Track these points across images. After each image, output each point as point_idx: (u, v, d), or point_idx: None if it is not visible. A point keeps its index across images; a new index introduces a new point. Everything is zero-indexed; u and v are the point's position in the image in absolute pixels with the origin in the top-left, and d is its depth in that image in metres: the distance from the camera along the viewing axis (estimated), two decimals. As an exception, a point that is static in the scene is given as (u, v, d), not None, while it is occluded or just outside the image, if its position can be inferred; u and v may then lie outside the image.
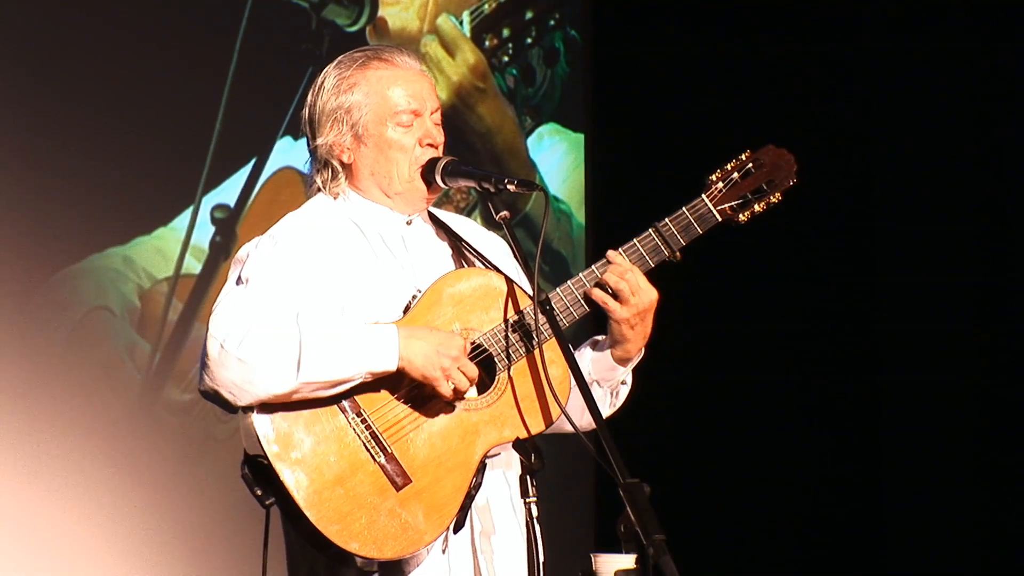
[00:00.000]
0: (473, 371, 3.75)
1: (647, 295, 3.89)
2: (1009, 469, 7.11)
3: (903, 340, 7.37)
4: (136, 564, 6.27)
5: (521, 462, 3.73)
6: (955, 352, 7.23)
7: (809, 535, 7.41)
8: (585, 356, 4.01)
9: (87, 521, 6.19)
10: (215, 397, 3.72)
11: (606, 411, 4.01)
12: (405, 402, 3.76)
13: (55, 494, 6.14)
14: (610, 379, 3.99)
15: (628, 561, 3.49)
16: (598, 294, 3.88)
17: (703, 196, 3.95)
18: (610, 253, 3.92)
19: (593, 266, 3.92)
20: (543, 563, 3.67)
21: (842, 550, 7.42)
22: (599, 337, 4.01)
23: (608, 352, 3.96)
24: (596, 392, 3.97)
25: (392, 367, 3.71)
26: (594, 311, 3.93)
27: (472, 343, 3.81)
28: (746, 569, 7.29)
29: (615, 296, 3.88)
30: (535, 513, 3.69)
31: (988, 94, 7.21)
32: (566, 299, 3.89)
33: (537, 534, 3.67)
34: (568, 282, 3.91)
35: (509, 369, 3.82)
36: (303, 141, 4.07)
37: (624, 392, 4.04)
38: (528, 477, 3.70)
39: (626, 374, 4.00)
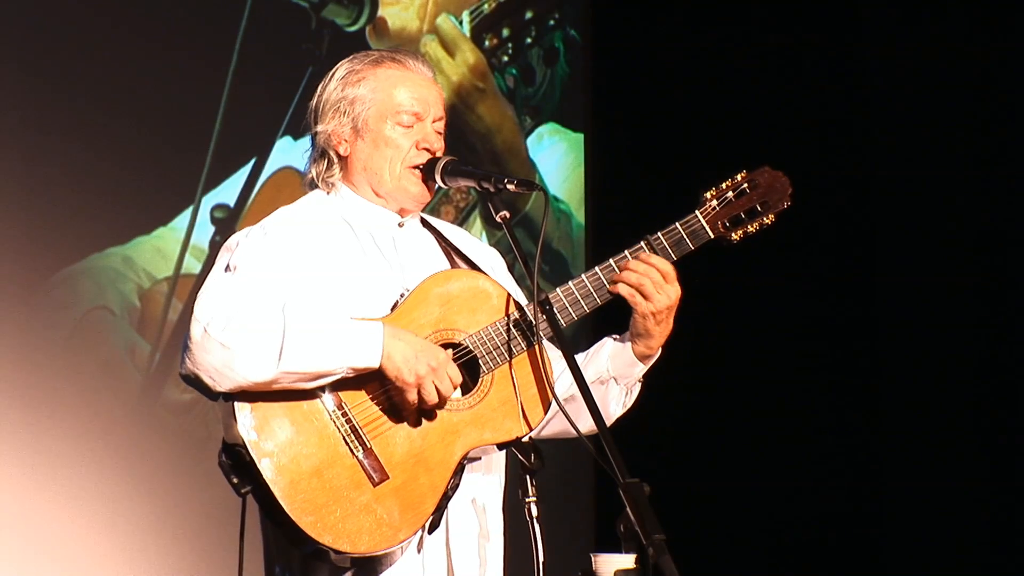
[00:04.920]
0: (448, 388, 3.74)
1: (674, 290, 3.90)
2: (1008, 472, 7.10)
3: (903, 343, 7.37)
4: (136, 563, 6.27)
5: (520, 462, 3.73)
6: (955, 355, 7.23)
7: (808, 536, 7.41)
8: (603, 353, 4.00)
9: (87, 520, 6.19)
10: (196, 381, 3.72)
11: (619, 410, 4.01)
12: (387, 398, 3.76)
13: (55, 494, 6.14)
14: (628, 376, 3.98)
15: (628, 561, 3.49)
16: (624, 289, 3.88)
17: (696, 212, 3.96)
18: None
19: (596, 267, 3.92)
20: (543, 563, 3.67)
21: (842, 551, 7.42)
22: (615, 335, 4.01)
23: (629, 346, 3.96)
24: (612, 390, 3.98)
25: (374, 364, 3.71)
26: (592, 312, 3.93)
27: (457, 344, 3.81)
28: (746, 569, 7.29)
29: (639, 292, 3.89)
30: (535, 513, 3.69)
31: (988, 95, 7.21)
32: (565, 300, 3.89)
33: (537, 534, 3.67)
34: (569, 282, 3.91)
35: (494, 372, 3.83)
36: (303, 141, 4.08)
37: (637, 391, 4.03)
38: (528, 477, 3.70)
39: (644, 371, 3.99)
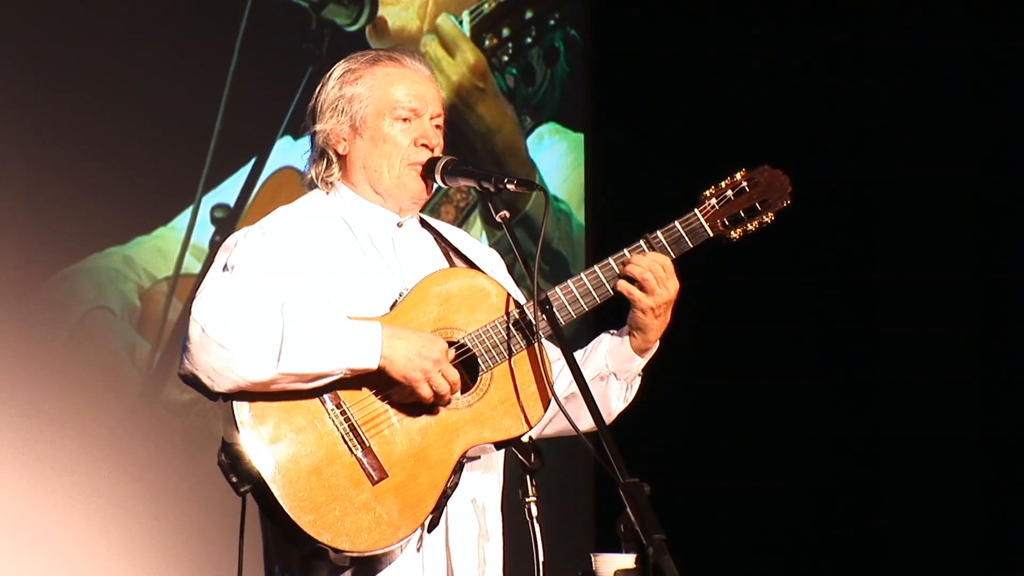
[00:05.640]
0: (454, 376, 3.75)
1: (674, 284, 3.91)
2: (1008, 472, 7.10)
3: (902, 341, 7.37)
4: (136, 563, 6.27)
5: (520, 462, 3.72)
6: (954, 355, 7.23)
7: (808, 536, 7.41)
8: (601, 349, 4.02)
9: (87, 520, 6.19)
10: (194, 382, 3.72)
11: (620, 405, 4.03)
12: (386, 397, 3.76)
13: (55, 493, 6.14)
14: (627, 371, 4.00)
15: (628, 561, 3.49)
16: (624, 285, 3.89)
17: (696, 211, 3.97)
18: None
19: (595, 266, 3.92)
20: (543, 563, 3.67)
21: (842, 551, 7.42)
22: (612, 331, 4.02)
23: (627, 340, 3.97)
24: (612, 385, 3.99)
25: (373, 365, 3.71)
26: (593, 310, 3.93)
27: (456, 343, 3.81)
28: (746, 569, 7.29)
29: (640, 286, 3.89)
30: (535, 513, 3.69)
31: (987, 94, 7.20)
32: (564, 298, 3.90)
33: (537, 534, 3.67)
34: (568, 281, 3.91)
35: (493, 370, 3.83)
36: (303, 141, 4.08)
37: (637, 385, 4.05)
38: (527, 477, 3.70)
39: (643, 365, 4.01)
